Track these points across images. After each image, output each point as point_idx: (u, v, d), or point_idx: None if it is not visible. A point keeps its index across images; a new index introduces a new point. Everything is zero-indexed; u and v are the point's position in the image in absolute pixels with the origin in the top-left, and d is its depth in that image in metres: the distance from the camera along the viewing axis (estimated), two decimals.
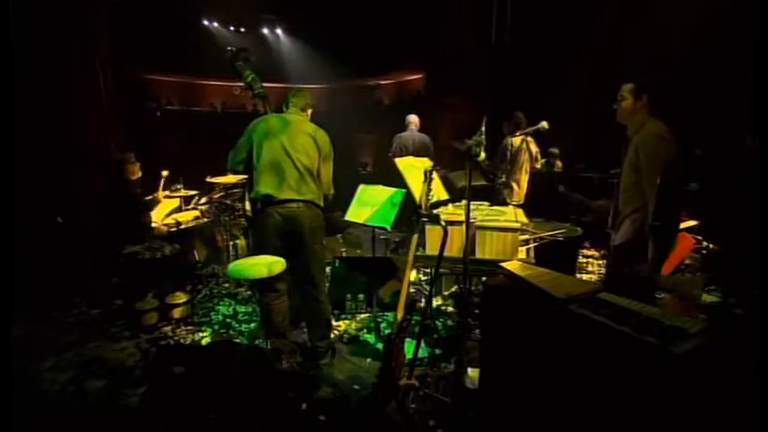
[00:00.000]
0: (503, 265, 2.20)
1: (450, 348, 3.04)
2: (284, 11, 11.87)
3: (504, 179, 4.63)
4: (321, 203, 2.79)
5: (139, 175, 4.12)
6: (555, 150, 6.23)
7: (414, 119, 6.11)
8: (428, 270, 4.03)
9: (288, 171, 2.67)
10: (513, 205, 4.63)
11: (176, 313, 3.48)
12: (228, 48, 3.07)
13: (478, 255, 2.46)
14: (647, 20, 4.95)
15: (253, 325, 3.48)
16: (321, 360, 2.88)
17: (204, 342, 3.22)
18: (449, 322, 3.51)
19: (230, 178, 4.53)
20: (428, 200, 2.18)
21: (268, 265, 2.33)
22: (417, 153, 6.13)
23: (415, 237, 2.16)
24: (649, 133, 2.40)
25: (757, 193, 3.09)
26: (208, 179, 4.80)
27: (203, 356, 2.26)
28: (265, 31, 12.51)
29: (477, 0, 8.52)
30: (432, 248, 2.50)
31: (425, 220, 2.19)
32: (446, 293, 4.01)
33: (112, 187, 3.96)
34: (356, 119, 11.53)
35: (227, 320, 3.57)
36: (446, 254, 2.52)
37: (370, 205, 3.31)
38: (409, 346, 3.12)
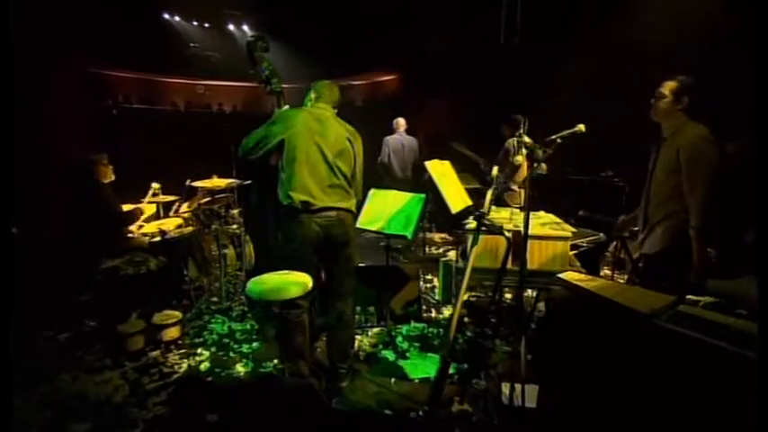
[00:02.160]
0: (561, 277, 2.05)
1: (478, 363, 2.85)
2: (250, 7, 11.38)
3: (501, 180, 4.54)
4: (355, 211, 2.53)
5: (112, 178, 3.66)
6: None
7: (402, 121, 5.93)
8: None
9: (326, 175, 2.38)
10: (515, 208, 4.60)
11: (166, 335, 3.08)
12: (250, 36, 2.74)
13: (531, 266, 2.29)
14: (629, 18, 5.02)
15: (254, 344, 3.13)
16: (341, 382, 2.60)
17: (203, 367, 2.85)
18: (468, 333, 3.32)
19: (217, 182, 4.15)
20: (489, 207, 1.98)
21: (300, 283, 2.04)
22: (408, 157, 5.95)
23: (475, 249, 1.95)
24: (695, 135, 2.31)
25: (757, 194, 3.14)
26: (189, 183, 4.39)
27: (239, 397, 1.93)
28: (231, 27, 11.93)
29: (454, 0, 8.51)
30: (475, 260, 2.29)
31: (483, 229, 1.98)
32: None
33: (82, 192, 3.48)
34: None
35: (224, 340, 3.20)
36: (484, 265, 2.36)
37: (384, 212, 3.07)
38: (426, 363, 2.92)
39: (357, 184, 2.60)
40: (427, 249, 5.48)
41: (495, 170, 1.94)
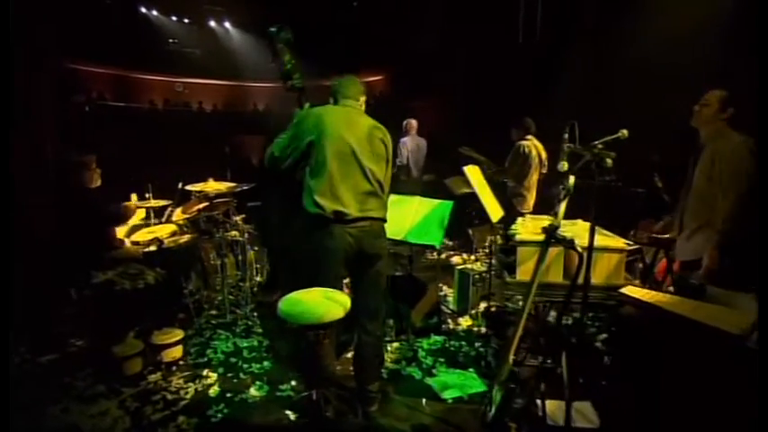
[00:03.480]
0: (626, 292, 1.90)
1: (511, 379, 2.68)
2: (233, 3, 11.00)
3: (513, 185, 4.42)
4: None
5: (99, 183, 3.31)
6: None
7: (414, 123, 5.79)
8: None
9: (358, 181, 2.14)
10: (524, 213, 4.47)
11: (167, 356, 2.78)
12: (274, 27, 2.47)
13: (581, 279, 2.12)
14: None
15: (266, 363, 2.86)
16: (371, 406, 2.37)
17: (212, 392, 2.56)
18: (493, 345, 3.15)
19: (214, 186, 3.85)
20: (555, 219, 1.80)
21: (341, 304, 1.81)
22: (421, 158, 5.84)
23: (544, 265, 1.76)
24: (737, 143, 2.28)
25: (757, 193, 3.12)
26: (181, 186, 4.06)
27: None
28: (212, 23, 11.50)
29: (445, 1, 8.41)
30: (523, 274, 2.12)
31: (554, 242, 1.80)
32: (474, 312, 3.66)
33: (68, 199, 3.12)
34: None
35: (231, 359, 2.92)
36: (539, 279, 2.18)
37: (407, 219, 2.87)
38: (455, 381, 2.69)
39: (387, 189, 2.38)
40: (429, 255, 5.30)
41: (571, 180, 1.70)
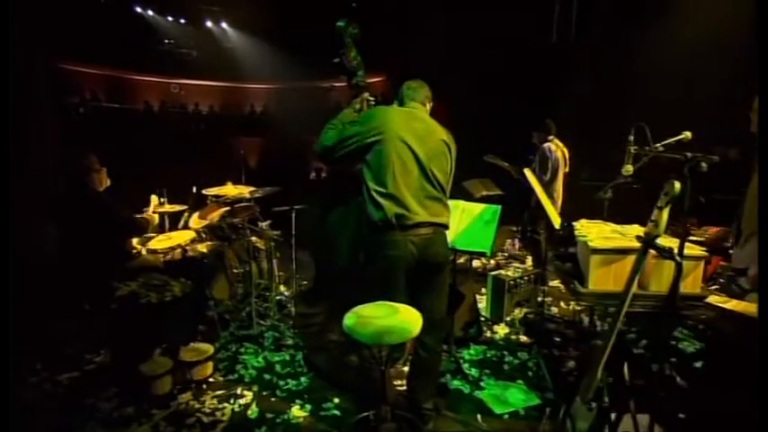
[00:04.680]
0: (713, 303, 1.77)
1: (567, 391, 2.54)
2: (229, 3, 10.77)
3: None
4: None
5: (108, 183, 3.08)
6: None
7: None
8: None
9: (422, 185, 2.01)
10: None
11: (197, 374, 2.58)
12: (342, 20, 2.31)
13: (653, 288, 1.99)
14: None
15: (303, 380, 2.68)
16: (428, 425, 2.22)
17: (251, 413, 2.37)
18: (536, 354, 3.01)
19: (234, 190, 3.66)
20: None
21: (416, 319, 1.65)
22: None
23: (638, 275, 1.62)
24: None
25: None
26: (196, 191, 3.86)
27: None
28: (209, 23, 11.25)
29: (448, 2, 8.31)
30: (595, 284, 1.99)
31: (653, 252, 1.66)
32: (509, 319, 3.52)
33: (77, 203, 2.89)
34: (311, 122, 10.71)
35: (264, 376, 2.73)
36: (608, 289, 2.04)
37: (452, 225, 2.71)
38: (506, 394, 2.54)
39: (448, 195, 2.24)
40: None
41: (677, 185, 1.54)
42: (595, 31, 5.32)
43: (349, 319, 1.68)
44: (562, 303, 3.95)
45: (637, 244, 2.00)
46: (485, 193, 4.70)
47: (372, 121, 2.02)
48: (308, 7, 10.40)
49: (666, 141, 2.47)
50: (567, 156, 4.41)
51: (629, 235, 2.17)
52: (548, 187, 4.19)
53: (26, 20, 4.18)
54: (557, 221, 2.37)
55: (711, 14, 3.91)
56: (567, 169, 4.46)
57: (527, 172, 2.73)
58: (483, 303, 3.72)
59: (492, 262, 4.89)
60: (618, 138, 2.35)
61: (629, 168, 2.23)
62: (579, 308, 3.87)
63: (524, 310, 3.67)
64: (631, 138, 2.20)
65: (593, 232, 2.25)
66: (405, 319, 1.65)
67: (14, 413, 2.21)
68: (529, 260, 4.77)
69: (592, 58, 5.35)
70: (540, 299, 3.88)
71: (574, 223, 2.48)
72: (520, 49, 6.33)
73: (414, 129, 2.03)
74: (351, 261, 2.16)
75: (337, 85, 12.89)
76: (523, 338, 3.30)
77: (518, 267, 3.86)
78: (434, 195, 2.04)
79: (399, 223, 1.94)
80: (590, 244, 1.98)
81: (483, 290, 3.86)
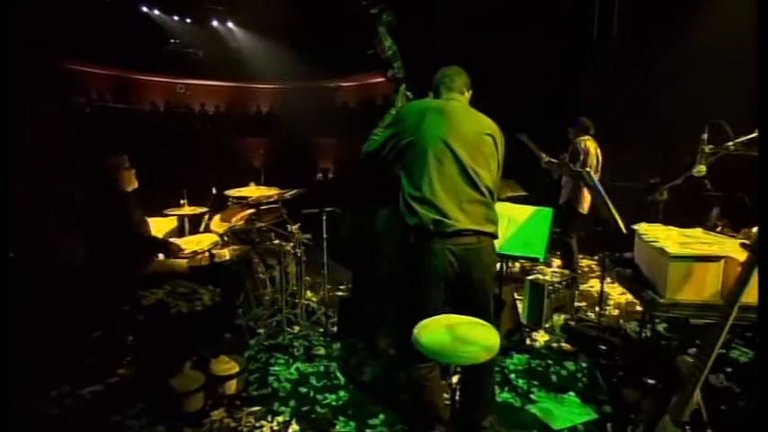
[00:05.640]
0: None
1: (628, 404, 2.38)
2: (235, 2, 10.61)
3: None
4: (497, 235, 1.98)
5: (136, 185, 2.92)
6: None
7: None
8: None
9: (465, 188, 1.82)
10: (583, 215, 4.21)
11: (229, 388, 2.41)
12: (375, 7, 2.16)
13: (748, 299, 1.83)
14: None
15: (342, 393, 2.51)
16: None
17: None
18: (583, 364, 2.85)
19: (257, 191, 3.50)
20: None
21: (494, 338, 1.49)
22: None
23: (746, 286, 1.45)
24: None
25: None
26: (216, 192, 3.71)
27: None
28: (215, 23, 11.11)
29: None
30: (673, 293, 1.82)
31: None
32: (548, 326, 3.36)
33: (103, 205, 2.73)
34: (317, 121, 10.59)
35: (300, 389, 2.56)
36: (689, 299, 1.87)
37: (502, 229, 2.55)
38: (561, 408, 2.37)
39: (496, 195, 2.06)
40: None
41: None
42: (634, 28, 5.16)
43: (423, 337, 1.50)
44: (597, 308, 3.79)
45: (718, 251, 1.85)
46: (510, 194, 4.54)
47: (406, 119, 1.87)
48: (316, 6, 10.26)
49: (741, 139, 2.30)
50: (601, 157, 4.24)
51: (706, 240, 2.00)
52: (578, 184, 4.04)
53: (29, 20, 4.04)
54: (623, 227, 2.21)
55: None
56: (599, 173, 4.30)
57: (586, 171, 2.57)
58: (519, 309, 3.55)
59: (516, 265, 4.74)
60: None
61: (701, 169, 2.07)
62: (618, 314, 3.73)
63: (563, 315, 3.51)
64: (705, 136, 2.05)
65: (662, 237, 2.09)
66: (484, 336, 1.49)
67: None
68: (556, 262, 4.61)
69: (626, 56, 5.20)
70: (576, 304, 3.73)
71: (634, 227, 2.33)
72: (556, 44, 6.14)
73: (453, 124, 1.85)
74: (394, 271, 2.00)
75: (344, 84, 12.77)
76: (565, 346, 3.13)
77: (554, 271, 3.69)
78: (478, 199, 1.84)
79: (437, 229, 1.77)
80: (668, 250, 1.81)
81: (516, 294, 3.70)
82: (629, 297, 4.03)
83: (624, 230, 2.18)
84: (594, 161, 4.15)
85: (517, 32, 6.00)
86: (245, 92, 11.92)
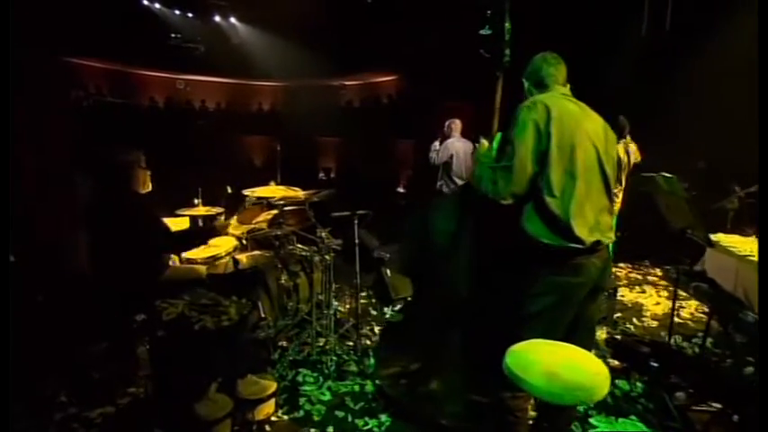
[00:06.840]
0: None
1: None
2: None
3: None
4: None
5: (150, 187, 2.65)
6: None
7: (458, 124, 5.21)
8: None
9: (600, 196, 1.64)
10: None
11: (259, 413, 2.15)
12: None
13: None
14: None
15: (383, 417, 2.26)
16: None
17: None
18: (637, 383, 2.63)
19: (277, 191, 3.24)
20: None
21: (605, 374, 1.25)
22: (468, 161, 5.30)
23: None
24: None
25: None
26: (230, 191, 3.45)
27: None
28: (217, 18, 10.83)
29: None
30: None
31: None
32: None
33: (115, 206, 2.46)
34: (319, 120, 10.36)
35: (336, 413, 2.31)
36: None
37: None
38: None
39: None
40: None
41: None
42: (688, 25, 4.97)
43: (530, 375, 1.25)
44: (635, 320, 3.59)
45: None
46: None
47: (546, 117, 1.55)
48: (321, 2, 10.01)
49: None
50: (639, 157, 4.04)
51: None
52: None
53: (29, 13, 3.78)
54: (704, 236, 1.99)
55: None
56: (625, 177, 4.11)
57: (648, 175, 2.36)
58: None
59: None
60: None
61: None
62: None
63: (604, 327, 3.29)
64: None
65: (748, 250, 1.88)
66: (597, 371, 1.25)
67: None
68: None
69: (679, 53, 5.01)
70: (615, 316, 3.52)
71: (711, 237, 2.11)
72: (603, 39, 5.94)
73: (587, 124, 1.63)
74: (467, 292, 1.76)
75: (348, 83, 12.51)
76: (613, 362, 2.91)
77: None
78: (607, 207, 1.66)
79: (588, 245, 1.55)
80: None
81: None
82: (665, 308, 3.86)
83: (715, 240, 1.96)
84: (626, 160, 3.96)
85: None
86: (246, 89, 11.63)
